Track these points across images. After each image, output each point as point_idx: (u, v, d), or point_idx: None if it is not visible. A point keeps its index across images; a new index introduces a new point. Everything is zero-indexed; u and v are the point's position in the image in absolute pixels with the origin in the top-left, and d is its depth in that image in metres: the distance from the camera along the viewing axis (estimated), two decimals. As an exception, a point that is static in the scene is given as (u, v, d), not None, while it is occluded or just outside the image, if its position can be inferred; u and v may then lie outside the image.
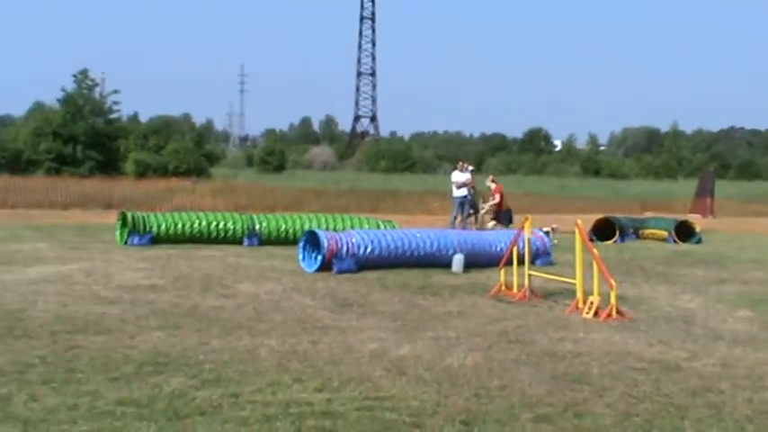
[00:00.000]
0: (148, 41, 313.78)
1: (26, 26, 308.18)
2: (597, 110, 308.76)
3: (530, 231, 16.84)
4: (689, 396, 9.60)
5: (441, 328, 13.08)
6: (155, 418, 8.21)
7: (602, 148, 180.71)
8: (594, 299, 14.44)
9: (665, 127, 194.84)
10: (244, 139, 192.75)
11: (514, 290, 16.24)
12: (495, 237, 21.59)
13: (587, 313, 14.33)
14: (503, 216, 26.01)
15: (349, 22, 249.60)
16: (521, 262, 16.36)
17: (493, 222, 30.00)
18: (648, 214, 40.61)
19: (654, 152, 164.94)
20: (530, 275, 16.35)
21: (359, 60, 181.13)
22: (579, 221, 15.86)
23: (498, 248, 19.84)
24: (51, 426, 7.92)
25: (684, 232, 30.80)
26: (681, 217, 35.55)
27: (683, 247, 28.89)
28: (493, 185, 27.60)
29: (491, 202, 27.13)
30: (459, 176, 30.48)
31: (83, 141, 67.33)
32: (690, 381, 10.28)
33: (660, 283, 18.86)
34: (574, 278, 15.21)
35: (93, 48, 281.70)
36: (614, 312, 14.21)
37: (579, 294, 14.87)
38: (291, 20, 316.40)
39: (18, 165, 62.92)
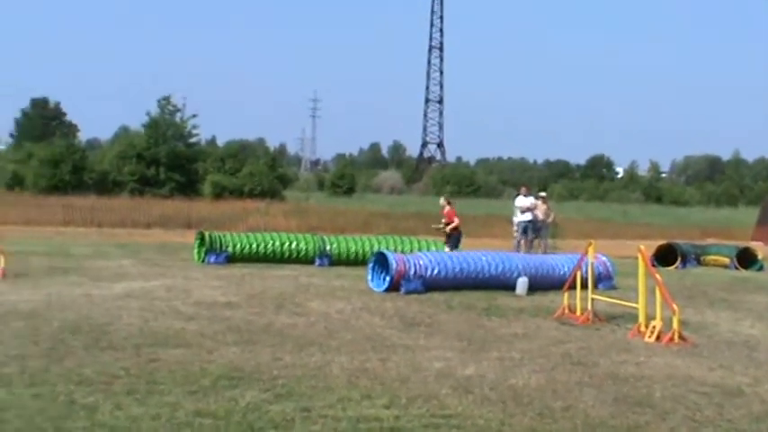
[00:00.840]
0: (226, 68, 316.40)
1: (113, 54, 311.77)
2: (659, 138, 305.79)
3: (593, 256, 16.75)
4: (752, 422, 9.48)
5: (505, 349, 13.04)
6: (231, 430, 8.29)
7: (663, 175, 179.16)
8: (657, 323, 14.32)
9: (726, 155, 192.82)
10: (315, 163, 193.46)
11: (577, 313, 16.15)
12: (558, 261, 21.49)
13: (649, 337, 14.21)
14: (453, 241, 24.86)
15: (418, 52, 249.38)
16: (584, 286, 16.30)
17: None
18: (710, 241, 40.20)
19: (715, 180, 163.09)
20: (593, 299, 16.27)
21: (427, 88, 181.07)
22: (642, 247, 15.75)
23: (562, 272, 19.76)
24: (135, 435, 8.04)
25: (746, 259, 30.39)
26: (743, 244, 35.12)
27: (744, 273, 28.53)
28: (447, 207, 26.29)
29: (446, 225, 25.64)
30: (522, 201, 30.37)
31: (164, 164, 67.97)
32: (753, 406, 10.15)
33: (722, 309, 18.63)
34: (636, 302, 15.08)
35: (176, 74, 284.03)
36: (676, 337, 14.05)
37: (642, 318, 14.75)
38: (362, 48, 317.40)
39: (104, 186, 63.65)
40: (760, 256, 30.86)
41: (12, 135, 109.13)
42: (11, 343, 12.06)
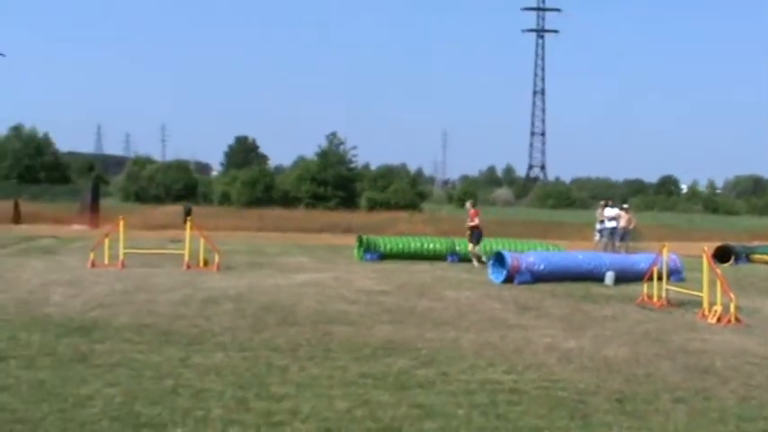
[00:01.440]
0: (376, 107, 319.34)
1: (295, 99, 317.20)
2: (715, 160, 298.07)
3: (666, 255, 16.44)
4: (795, 385, 9.24)
5: (598, 328, 12.88)
6: (387, 387, 8.38)
7: (718, 191, 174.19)
8: (718, 308, 14.02)
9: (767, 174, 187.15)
10: (445, 182, 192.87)
11: (655, 300, 15.88)
12: (638, 258, 21.15)
13: (712, 319, 13.90)
14: (475, 236, 23.59)
15: (526, 94, 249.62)
16: (659, 278, 16.01)
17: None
18: (756, 243, 38.91)
19: (759, 194, 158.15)
20: (666, 289, 15.98)
21: (532, 123, 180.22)
22: (706, 248, 15.50)
23: (641, 267, 19.38)
24: (316, 389, 8.18)
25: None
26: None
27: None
28: (471, 209, 24.57)
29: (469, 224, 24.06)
30: (609, 212, 29.99)
31: (331, 183, 68.83)
32: (796, 373, 9.89)
33: None
34: (701, 291, 14.78)
35: (339, 114, 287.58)
36: (733, 319, 13.75)
37: (705, 304, 14.44)
38: (481, 90, 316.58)
39: (287, 201, 64.71)
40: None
41: (222, 164, 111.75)
42: (224, 318, 12.40)
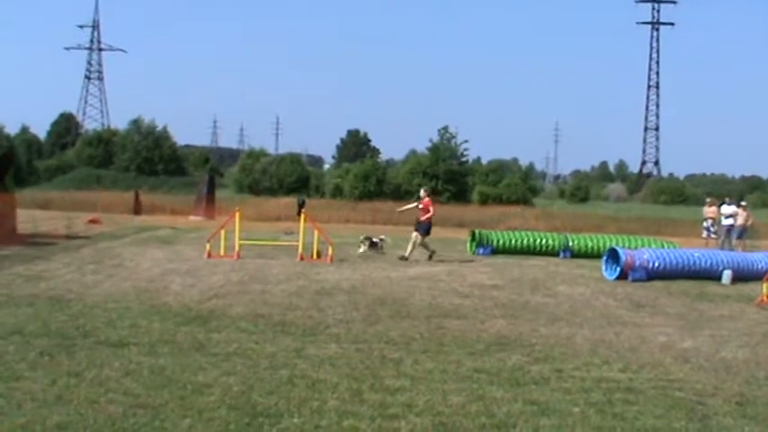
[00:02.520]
0: (490, 104, 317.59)
1: (400, 93, 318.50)
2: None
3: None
4: None
5: (715, 328, 12.54)
6: (501, 383, 8.33)
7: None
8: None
9: None
10: (556, 178, 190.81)
11: (775, 300, 15.39)
12: (757, 257, 20.51)
13: (836, 321, 13.40)
14: (423, 227, 21.30)
15: (640, 87, 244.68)
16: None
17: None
18: None
19: None
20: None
21: (645, 118, 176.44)
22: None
23: (760, 266, 18.83)
24: (430, 383, 8.19)
25: None
26: None
27: None
28: (426, 198, 22.07)
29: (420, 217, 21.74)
30: (726, 209, 29.18)
31: (442, 178, 68.74)
32: None
33: None
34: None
35: (451, 108, 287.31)
36: None
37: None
38: (594, 84, 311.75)
39: (399, 194, 64.76)
40: None
41: (334, 157, 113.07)
42: (338, 310, 12.52)
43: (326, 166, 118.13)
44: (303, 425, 6.73)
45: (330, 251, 20.00)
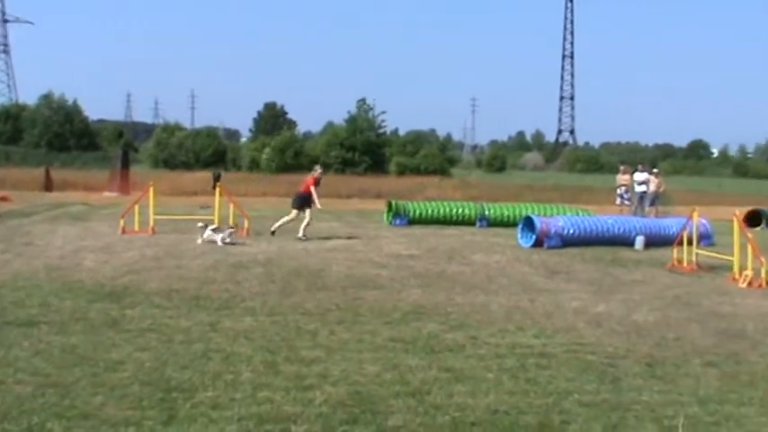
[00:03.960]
0: (409, 72, 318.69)
1: (323, 66, 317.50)
2: (747, 124, 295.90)
3: (696, 219, 16.31)
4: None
5: (627, 292, 12.84)
6: (416, 351, 8.40)
7: (749, 155, 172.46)
8: (748, 272, 13.93)
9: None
10: (474, 148, 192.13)
11: (684, 264, 15.77)
12: (668, 223, 21.00)
13: (742, 283, 13.82)
14: (300, 201, 19.51)
15: (555, 58, 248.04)
16: (689, 243, 15.89)
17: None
18: (788, 207, 38.51)
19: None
20: (696, 253, 15.87)
21: (561, 88, 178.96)
22: (737, 212, 15.36)
23: (671, 232, 19.27)
24: (345, 353, 8.23)
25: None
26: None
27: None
28: (318, 172, 20.55)
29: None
30: (639, 176, 29.66)
31: (360, 149, 68.70)
32: (829, 336, 9.82)
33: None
34: (731, 256, 14.67)
35: (369, 79, 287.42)
36: (764, 283, 13.68)
37: (736, 268, 14.35)
38: (509, 56, 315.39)
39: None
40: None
41: (251, 130, 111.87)
42: (254, 283, 12.46)
43: (243, 140, 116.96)
44: (217, 398, 6.69)
45: (246, 224, 19.84)
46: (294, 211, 19.90)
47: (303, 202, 19.70)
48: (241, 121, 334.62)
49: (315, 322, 9.71)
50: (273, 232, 19.58)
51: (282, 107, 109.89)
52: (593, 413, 6.54)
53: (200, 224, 18.15)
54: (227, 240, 17.43)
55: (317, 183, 20.08)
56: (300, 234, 19.12)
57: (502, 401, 6.77)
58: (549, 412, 6.54)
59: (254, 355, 8.02)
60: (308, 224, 19.49)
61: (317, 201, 19.69)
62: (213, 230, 17.61)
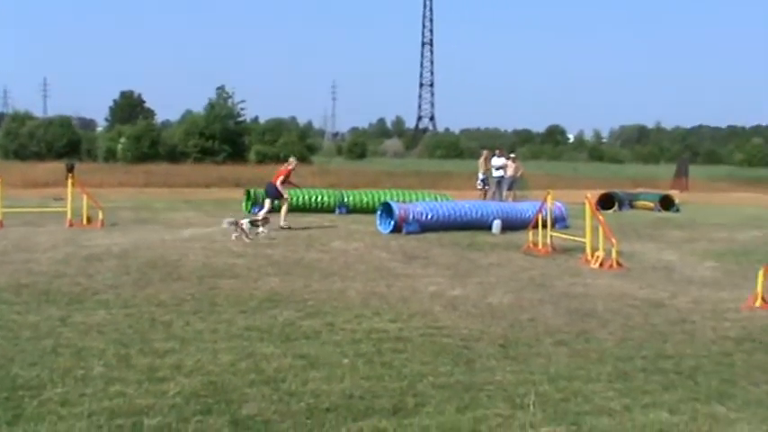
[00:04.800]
0: (266, 61, 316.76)
1: (182, 52, 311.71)
2: (601, 110, 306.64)
3: (551, 203, 16.76)
4: (670, 325, 9.62)
5: (484, 275, 13.09)
6: (272, 340, 8.35)
7: (604, 140, 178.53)
8: (600, 253, 14.41)
9: (651, 124, 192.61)
10: (335, 135, 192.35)
11: (539, 247, 16.19)
12: (524, 206, 21.52)
13: (594, 264, 14.30)
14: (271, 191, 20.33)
15: (415, 45, 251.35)
16: (544, 226, 16.31)
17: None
18: (639, 190, 40.02)
19: (643, 143, 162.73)
20: (551, 236, 16.31)
21: (421, 75, 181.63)
22: (588, 195, 15.88)
23: (527, 215, 19.74)
24: (200, 343, 8.10)
25: (666, 203, 30.50)
26: (664, 192, 35.12)
27: (665, 214, 28.57)
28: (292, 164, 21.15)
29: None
30: (497, 161, 30.22)
31: (219, 138, 67.81)
32: (670, 314, 10.29)
33: (648, 242, 18.69)
34: (584, 238, 15.15)
35: (229, 68, 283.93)
36: (615, 264, 14.18)
37: (588, 250, 14.82)
38: (369, 44, 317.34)
39: (174, 156, 63.38)
40: (677, 201, 31.01)
41: (107, 119, 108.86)
42: (107, 275, 12.13)
43: (99, 129, 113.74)
44: (66, 394, 6.47)
45: (100, 216, 19.34)
46: (267, 201, 20.18)
47: (275, 192, 20.13)
48: (97, 110, 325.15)
49: (170, 313, 9.53)
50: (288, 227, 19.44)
51: (140, 96, 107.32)
52: (446, 395, 6.64)
53: (228, 220, 17.55)
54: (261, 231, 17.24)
55: (288, 175, 20.46)
56: (282, 223, 19.45)
57: (357, 386, 6.80)
58: (403, 395, 6.60)
59: (106, 349, 7.81)
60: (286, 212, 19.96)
61: (284, 193, 20.16)
62: (251, 223, 17.10)
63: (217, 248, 15.49)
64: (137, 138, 66.42)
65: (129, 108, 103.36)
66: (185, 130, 70.36)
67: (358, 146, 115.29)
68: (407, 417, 6.12)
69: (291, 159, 21.50)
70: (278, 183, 20.07)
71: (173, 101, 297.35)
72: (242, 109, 73.94)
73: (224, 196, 32.62)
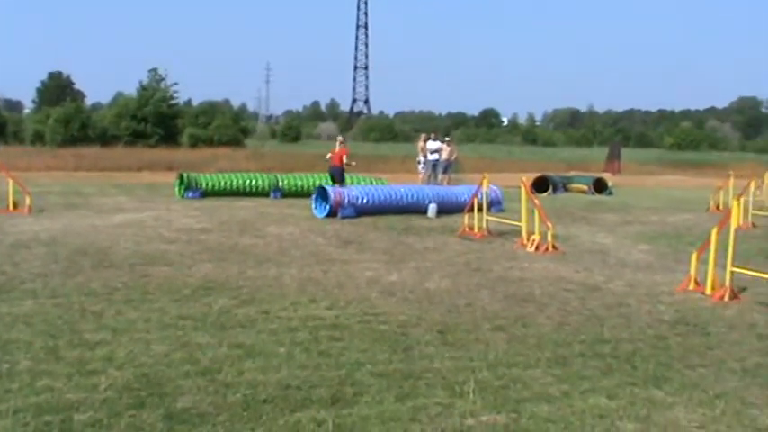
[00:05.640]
0: (202, 43, 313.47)
1: (111, 33, 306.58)
2: (534, 94, 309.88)
3: (486, 186, 16.77)
4: (606, 309, 9.66)
5: (420, 260, 13.03)
6: (207, 328, 8.17)
7: (537, 123, 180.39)
8: (536, 237, 14.46)
9: (583, 107, 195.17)
10: (269, 118, 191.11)
11: (475, 230, 16.19)
12: (459, 190, 21.55)
13: (530, 248, 14.34)
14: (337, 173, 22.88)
15: (350, 27, 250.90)
16: (480, 209, 16.31)
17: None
18: (573, 173, 40.46)
19: (576, 126, 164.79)
20: (487, 219, 16.33)
21: (355, 57, 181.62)
22: (524, 178, 15.90)
23: (462, 199, 19.77)
24: (133, 333, 7.89)
25: (600, 186, 30.86)
26: (597, 175, 35.51)
27: (598, 197, 28.91)
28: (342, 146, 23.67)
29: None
30: (432, 145, 30.19)
31: (151, 121, 66.91)
32: (606, 298, 10.33)
33: (583, 225, 18.86)
34: (520, 221, 15.17)
35: (161, 50, 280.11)
36: (550, 247, 14.23)
37: (524, 233, 14.86)
38: (304, 26, 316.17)
39: (105, 139, 62.27)
40: (610, 184, 31.39)
41: (34, 101, 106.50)
42: (35, 263, 11.78)
43: (26, 111, 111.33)
44: (-10, 390, 6.23)
45: (28, 201, 18.86)
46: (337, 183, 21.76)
47: (340, 173, 22.56)
48: (23, 91, 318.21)
49: (100, 303, 9.27)
50: None
51: (69, 77, 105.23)
52: (385, 383, 6.55)
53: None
54: None
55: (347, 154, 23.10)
56: None
57: (294, 376, 6.67)
58: (341, 384, 6.49)
59: (33, 341, 7.54)
60: None
61: (352, 163, 23.39)
62: None
63: (149, 234, 15.21)
64: (66, 120, 65.10)
65: (57, 90, 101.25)
66: (117, 113, 69.28)
67: (292, 129, 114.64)
68: (346, 407, 6.02)
69: (340, 137, 24.36)
70: (343, 163, 22.61)
71: (103, 83, 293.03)
72: (175, 92, 73.09)
73: (156, 180, 32.17)
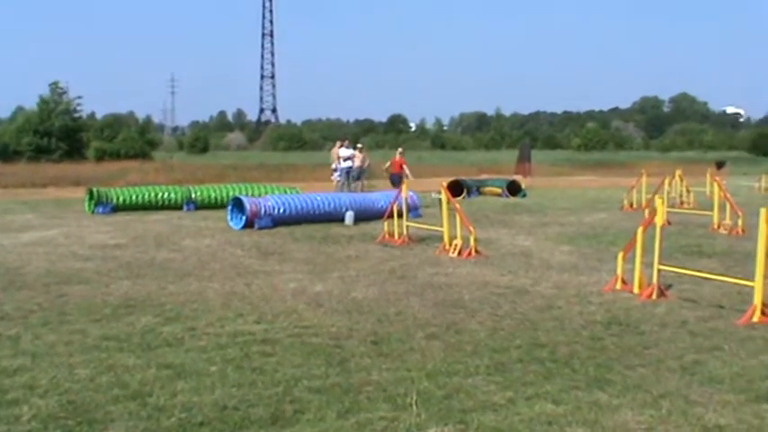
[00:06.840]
0: (104, 56, 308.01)
1: (5, 47, 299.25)
2: (441, 98, 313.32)
3: (406, 192, 16.67)
4: (538, 312, 9.59)
5: (343, 269, 12.81)
6: (132, 349, 7.81)
7: (445, 128, 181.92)
8: (458, 241, 14.37)
9: (490, 111, 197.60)
10: (175, 129, 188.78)
11: (396, 237, 16.05)
12: (376, 197, 21.43)
13: (453, 253, 14.24)
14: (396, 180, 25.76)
15: (255, 37, 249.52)
16: (399, 215, 16.17)
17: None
18: (485, 176, 40.72)
19: (483, 130, 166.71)
20: (407, 226, 16.19)
21: (261, 66, 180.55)
22: (444, 183, 15.81)
23: (380, 205, 19.67)
24: (54, 358, 7.47)
25: (514, 189, 31.12)
26: (510, 177, 35.80)
27: (513, 200, 29.13)
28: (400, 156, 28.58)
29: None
30: (345, 152, 30.08)
31: (55, 135, 65.31)
32: (536, 301, 10.27)
33: (501, 228, 18.90)
34: (441, 226, 15.07)
35: (64, 63, 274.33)
36: (473, 251, 14.15)
37: (446, 238, 14.76)
38: (208, 36, 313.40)
39: (6, 155, 60.52)
40: (523, 186, 31.63)
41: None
42: (-61, 288, 11.18)
43: None
44: None
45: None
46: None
47: (400, 179, 24.90)
48: None
49: (16, 326, 8.79)
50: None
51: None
52: (325, 399, 6.30)
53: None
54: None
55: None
56: None
57: (229, 396, 6.38)
58: (280, 402, 6.23)
59: (-55, 371, 7.10)
60: None
61: (409, 175, 27.80)
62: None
63: (61, 252, 14.66)
64: (-37, 137, 63.13)
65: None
66: (18, 128, 67.36)
67: (200, 140, 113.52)
68: (287, 426, 5.76)
69: (400, 149, 29.79)
70: (405, 170, 27.69)
71: (1, 97, 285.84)
72: (78, 105, 71.47)
73: (64, 196, 31.28)
